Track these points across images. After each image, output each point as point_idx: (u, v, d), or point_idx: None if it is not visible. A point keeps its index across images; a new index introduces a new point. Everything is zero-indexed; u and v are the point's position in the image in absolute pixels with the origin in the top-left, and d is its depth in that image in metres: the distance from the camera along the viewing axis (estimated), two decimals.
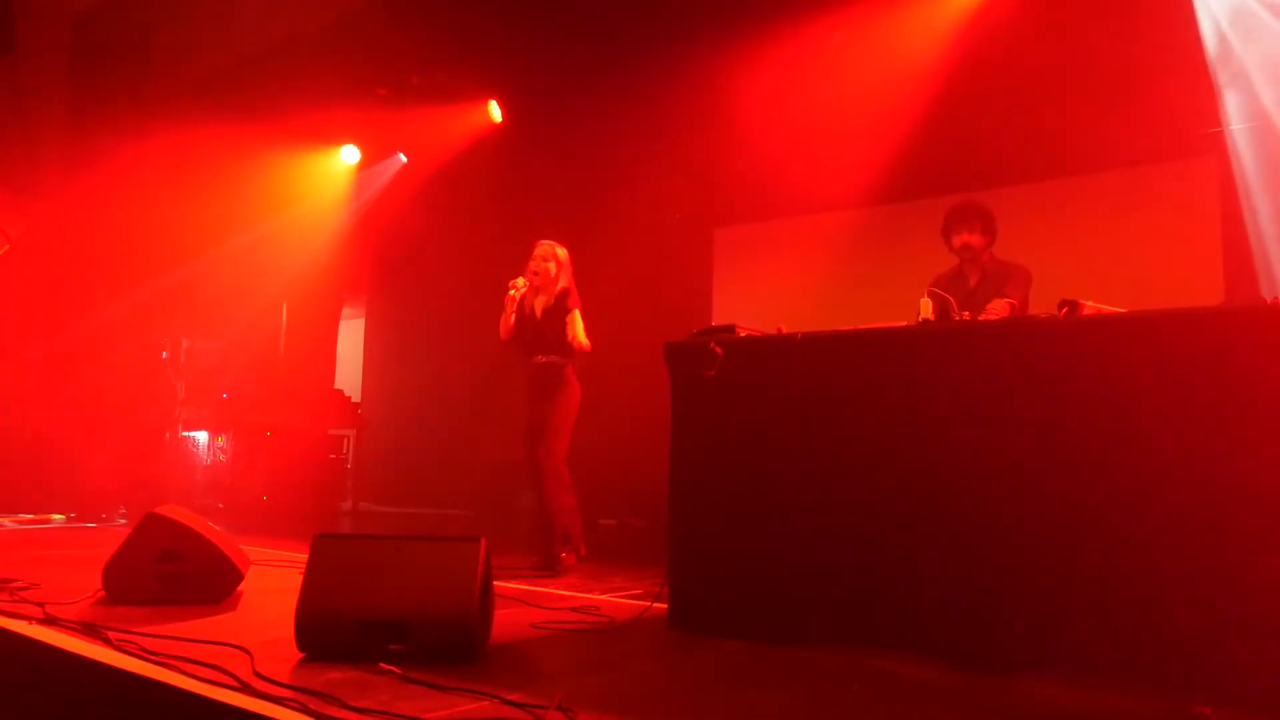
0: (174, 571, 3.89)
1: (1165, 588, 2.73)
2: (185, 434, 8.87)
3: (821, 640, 3.28)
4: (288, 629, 2.99)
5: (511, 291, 5.48)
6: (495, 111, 8.87)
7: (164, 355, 8.78)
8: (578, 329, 5.39)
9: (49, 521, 7.77)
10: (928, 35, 6.62)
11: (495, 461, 9.29)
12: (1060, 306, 3.10)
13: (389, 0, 7.99)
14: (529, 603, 4.16)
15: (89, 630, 3.17)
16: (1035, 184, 6.86)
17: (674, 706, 2.65)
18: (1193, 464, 2.74)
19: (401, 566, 3.07)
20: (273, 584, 4.43)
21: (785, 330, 3.65)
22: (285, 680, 2.60)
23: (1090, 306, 3.07)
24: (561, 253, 5.58)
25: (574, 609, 4.02)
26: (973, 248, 4.58)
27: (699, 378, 3.68)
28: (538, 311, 5.52)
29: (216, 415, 8.90)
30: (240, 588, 4.16)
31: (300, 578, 3.08)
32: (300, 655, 2.96)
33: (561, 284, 5.51)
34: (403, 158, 9.89)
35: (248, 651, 2.89)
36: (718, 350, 3.66)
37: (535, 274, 5.50)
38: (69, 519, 7.90)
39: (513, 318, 5.51)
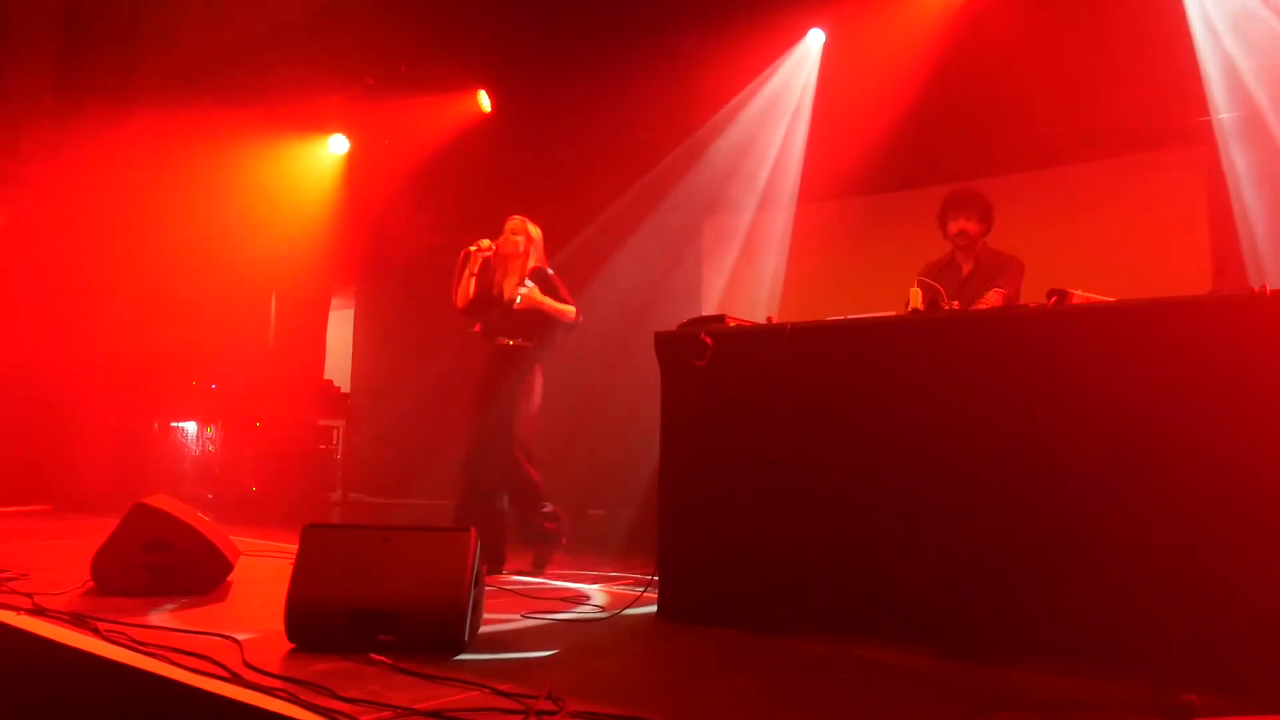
0: (163, 562, 3.88)
1: (1153, 575, 2.75)
2: (174, 424, 8.85)
3: (810, 629, 3.29)
4: (277, 619, 2.99)
5: (471, 248, 4.97)
6: (484, 101, 8.84)
7: (152, 346, 8.74)
8: (564, 309, 4.99)
9: (37, 512, 7.74)
10: (916, 24, 6.62)
11: None
12: (1049, 295, 3.11)
13: None
14: (519, 592, 4.16)
15: (78, 621, 3.16)
16: (1023, 173, 6.86)
17: (663, 695, 2.66)
18: (1181, 451, 2.75)
19: (391, 557, 3.06)
20: (262, 574, 4.42)
21: (775, 320, 3.65)
22: (275, 670, 2.60)
23: (1079, 295, 3.08)
24: (534, 230, 5.14)
25: (564, 599, 4.02)
26: (969, 235, 4.57)
27: (689, 368, 3.69)
28: (505, 292, 5.04)
29: (205, 405, 8.88)
30: (229, 578, 4.15)
31: (290, 568, 3.07)
32: (290, 646, 2.95)
33: (533, 263, 5.08)
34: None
35: (237, 642, 2.89)
36: (707, 340, 3.66)
37: (505, 244, 5.05)
38: (57, 509, 7.87)
39: (472, 284, 5.03)
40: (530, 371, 5.00)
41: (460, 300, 5.07)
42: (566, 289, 5.11)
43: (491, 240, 5.04)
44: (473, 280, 5.04)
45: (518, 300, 4.97)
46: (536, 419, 5.00)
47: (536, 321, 5.02)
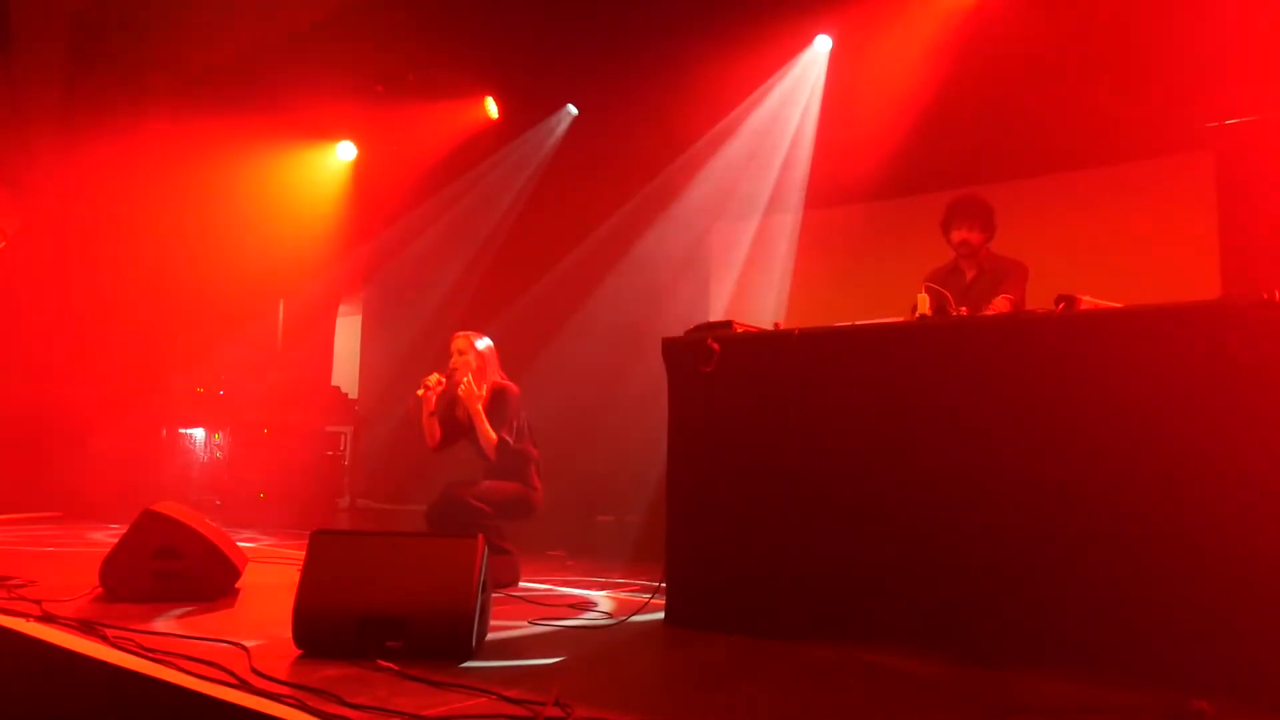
0: (171, 568, 3.88)
1: (1162, 582, 2.74)
2: (182, 431, 8.86)
3: (818, 635, 3.28)
4: (285, 626, 2.99)
5: (420, 391, 4.72)
6: (492, 108, 8.86)
7: (160, 353, 8.76)
8: (486, 427, 4.63)
9: (46, 519, 7.76)
10: (925, 31, 6.62)
11: None
12: (1057, 301, 3.10)
13: None
14: (527, 599, 4.16)
15: (86, 627, 3.16)
16: (1032, 179, 6.85)
17: (671, 701, 2.65)
18: (1191, 457, 2.74)
19: (399, 563, 3.06)
20: (270, 581, 4.43)
21: (782, 326, 3.65)
22: (283, 677, 2.60)
23: (1087, 301, 3.07)
24: (481, 343, 4.85)
25: (571, 605, 4.02)
26: (971, 244, 4.58)
27: (696, 374, 3.68)
28: (472, 420, 4.73)
29: (213, 412, 8.89)
30: (237, 584, 4.16)
31: (298, 574, 3.07)
32: (298, 652, 2.96)
33: (492, 378, 4.81)
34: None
35: (245, 648, 2.89)
36: (715, 346, 3.66)
37: (454, 369, 4.77)
38: (65, 516, 7.88)
39: (435, 425, 4.80)
40: (527, 485, 4.78)
41: (430, 442, 4.86)
42: (516, 411, 4.80)
43: (439, 373, 4.79)
44: (434, 420, 4.80)
45: (461, 388, 4.69)
46: (510, 514, 4.76)
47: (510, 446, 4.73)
